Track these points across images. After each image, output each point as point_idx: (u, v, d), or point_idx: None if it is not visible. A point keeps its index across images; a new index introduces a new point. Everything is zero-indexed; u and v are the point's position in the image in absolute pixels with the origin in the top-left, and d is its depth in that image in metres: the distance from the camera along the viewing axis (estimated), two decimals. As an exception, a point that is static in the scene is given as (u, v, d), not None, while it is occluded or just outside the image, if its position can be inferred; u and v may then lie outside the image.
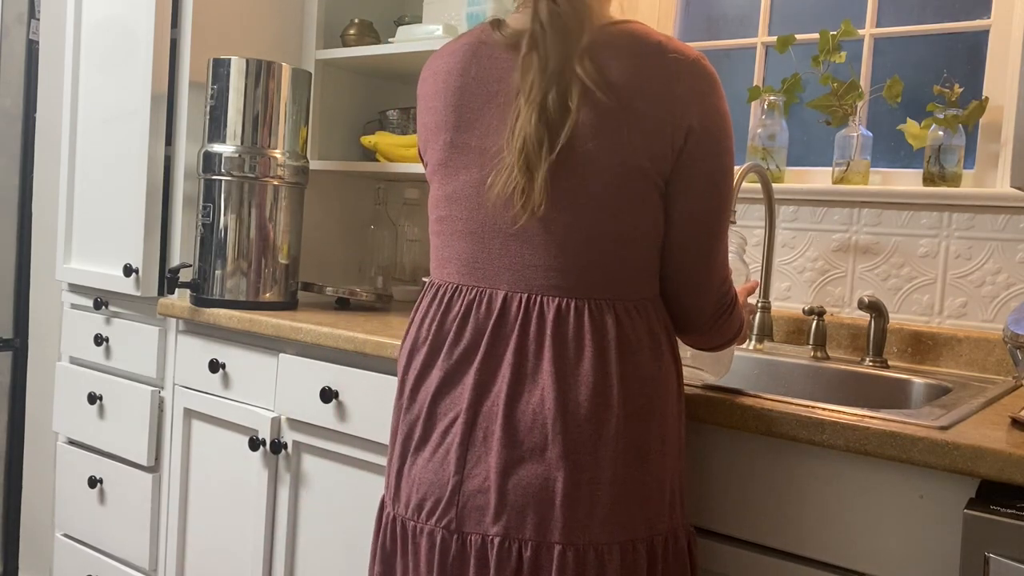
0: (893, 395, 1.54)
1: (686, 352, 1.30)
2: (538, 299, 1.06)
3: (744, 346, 1.75)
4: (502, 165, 1.07)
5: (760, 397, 1.22)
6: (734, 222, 1.61)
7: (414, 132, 2.22)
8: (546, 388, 1.03)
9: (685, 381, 1.29)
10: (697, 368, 1.33)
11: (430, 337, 1.12)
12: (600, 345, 1.05)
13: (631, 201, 1.06)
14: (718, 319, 1.16)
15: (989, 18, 1.69)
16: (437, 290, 1.15)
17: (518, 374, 1.05)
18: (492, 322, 1.08)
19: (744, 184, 1.65)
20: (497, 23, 1.14)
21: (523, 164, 1.05)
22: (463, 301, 1.11)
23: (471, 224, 1.11)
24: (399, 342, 1.55)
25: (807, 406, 1.18)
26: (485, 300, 1.09)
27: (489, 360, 1.07)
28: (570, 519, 1.02)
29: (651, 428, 1.07)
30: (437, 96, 1.16)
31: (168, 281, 1.93)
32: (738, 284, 1.45)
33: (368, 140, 2.17)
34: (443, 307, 1.12)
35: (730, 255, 1.43)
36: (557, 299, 1.06)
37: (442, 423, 1.08)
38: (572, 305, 1.06)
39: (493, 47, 1.13)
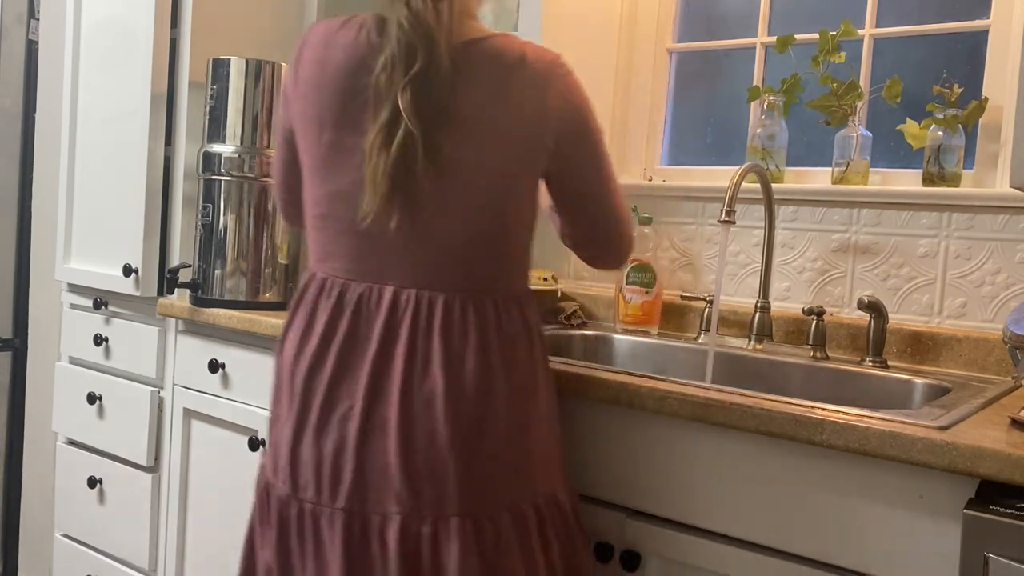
0: (893, 395, 1.54)
1: None
2: (426, 295, 1.15)
3: (744, 346, 1.75)
4: (378, 170, 1.12)
5: (760, 397, 1.22)
6: (733, 222, 1.61)
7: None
8: (436, 376, 1.12)
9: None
10: None
11: (322, 328, 1.18)
12: (484, 335, 1.15)
13: (507, 203, 1.17)
14: (631, 240, 1.35)
15: (989, 18, 1.69)
16: (324, 283, 1.20)
17: (410, 365, 1.13)
18: (384, 317, 1.15)
19: (744, 184, 1.65)
20: (381, 22, 1.16)
21: (394, 171, 1.11)
22: (354, 296, 1.17)
23: (356, 224, 1.17)
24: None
25: (807, 406, 1.18)
26: (375, 296, 1.17)
27: (383, 352, 1.14)
28: (465, 492, 1.11)
29: (530, 406, 1.18)
30: (322, 89, 1.18)
31: (168, 281, 1.93)
32: None
33: (368, 140, 2.17)
34: (333, 300, 1.18)
35: None
36: (444, 295, 1.15)
37: (339, 410, 1.14)
38: (457, 300, 1.15)
39: (374, 48, 1.15)
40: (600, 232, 1.30)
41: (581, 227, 1.31)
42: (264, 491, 1.24)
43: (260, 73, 1.92)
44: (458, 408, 1.11)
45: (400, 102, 1.10)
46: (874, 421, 1.11)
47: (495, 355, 1.15)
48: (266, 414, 1.80)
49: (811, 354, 1.69)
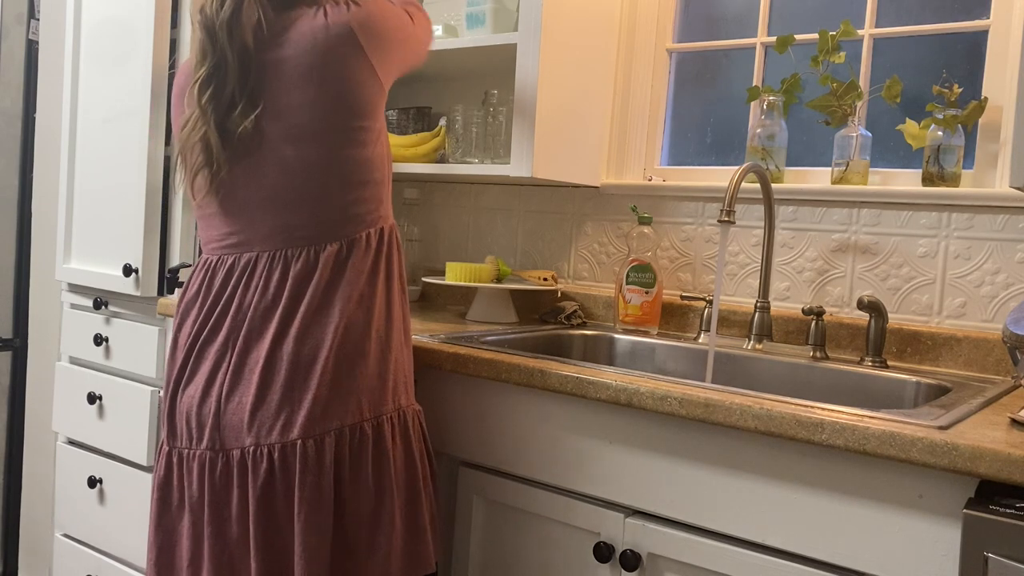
0: (892, 395, 1.55)
1: None
2: (267, 253, 1.32)
3: (744, 346, 1.75)
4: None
5: (760, 397, 1.22)
6: (732, 222, 1.61)
7: (414, 132, 2.23)
8: (273, 323, 1.28)
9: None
10: None
11: (192, 290, 1.39)
12: (313, 282, 1.29)
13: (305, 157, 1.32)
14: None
15: (988, 18, 1.69)
16: (203, 260, 1.41)
17: (255, 314, 1.29)
18: (236, 275, 1.33)
19: (744, 184, 1.65)
20: None
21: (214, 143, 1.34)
22: (221, 263, 1.36)
23: (213, 204, 1.39)
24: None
25: (807, 406, 1.18)
26: (231, 260, 1.35)
27: (239, 306, 1.31)
28: (306, 419, 1.25)
29: (362, 341, 1.30)
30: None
31: (168, 281, 1.93)
32: None
33: (368, 140, 2.17)
34: (205, 268, 1.38)
35: None
36: (283, 251, 1.31)
37: (206, 363, 1.31)
38: (292, 254, 1.30)
39: None
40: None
41: None
42: (158, 449, 1.40)
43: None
44: (294, 351, 1.26)
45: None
46: (874, 421, 1.11)
47: (327, 301, 1.29)
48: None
49: (811, 354, 1.69)
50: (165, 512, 1.36)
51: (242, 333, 1.30)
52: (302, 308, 1.28)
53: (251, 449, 1.26)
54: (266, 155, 1.31)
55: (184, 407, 1.33)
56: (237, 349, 1.29)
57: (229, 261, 1.34)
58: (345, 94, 1.29)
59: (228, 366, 1.29)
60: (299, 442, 1.25)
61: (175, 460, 1.34)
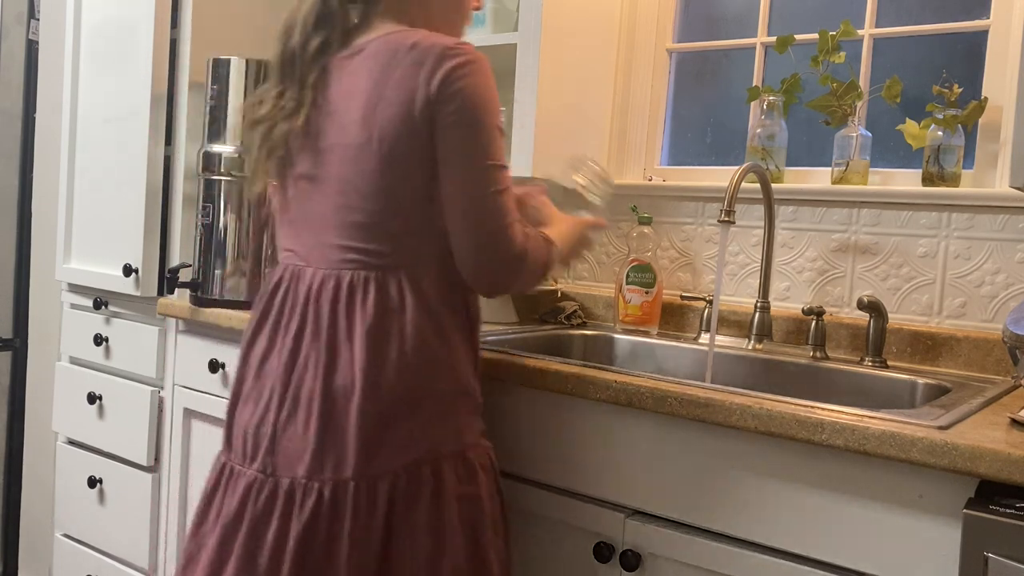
0: (892, 395, 1.55)
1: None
2: (333, 274, 1.24)
3: (744, 346, 1.75)
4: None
5: (760, 397, 1.22)
6: (732, 222, 1.61)
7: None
8: (337, 352, 1.21)
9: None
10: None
11: (260, 309, 1.32)
12: (384, 314, 1.21)
13: (394, 181, 1.23)
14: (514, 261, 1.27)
15: (988, 18, 1.69)
16: (272, 273, 1.35)
17: (315, 340, 1.23)
18: (303, 296, 1.26)
19: (743, 184, 1.65)
20: None
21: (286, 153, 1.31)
22: (285, 278, 1.30)
23: (290, 214, 1.34)
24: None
25: (807, 406, 1.18)
26: (298, 276, 1.28)
27: (301, 328, 1.25)
28: (361, 458, 1.18)
29: (433, 381, 1.22)
30: None
31: (168, 281, 1.93)
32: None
33: (368, 140, 2.17)
34: (272, 284, 1.32)
35: (596, 198, 1.52)
36: (350, 273, 1.23)
37: (267, 384, 1.26)
38: (361, 279, 1.22)
39: None
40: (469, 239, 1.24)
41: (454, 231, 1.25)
42: (217, 457, 1.35)
43: (260, 73, 1.92)
44: (354, 384, 1.19)
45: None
46: (874, 421, 1.11)
47: (394, 334, 1.21)
48: (266, 414, 1.80)
49: (811, 354, 1.69)
50: (203, 522, 1.30)
51: (302, 357, 1.23)
52: (363, 338, 1.20)
53: (302, 481, 1.19)
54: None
55: (243, 422, 1.27)
56: (297, 373, 1.23)
57: (304, 275, 1.27)
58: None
59: (288, 389, 1.23)
60: (352, 483, 1.18)
61: (226, 473, 1.28)
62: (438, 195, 1.23)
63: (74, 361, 2.31)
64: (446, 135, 1.20)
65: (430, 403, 1.23)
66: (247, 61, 1.91)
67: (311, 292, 1.25)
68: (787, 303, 1.83)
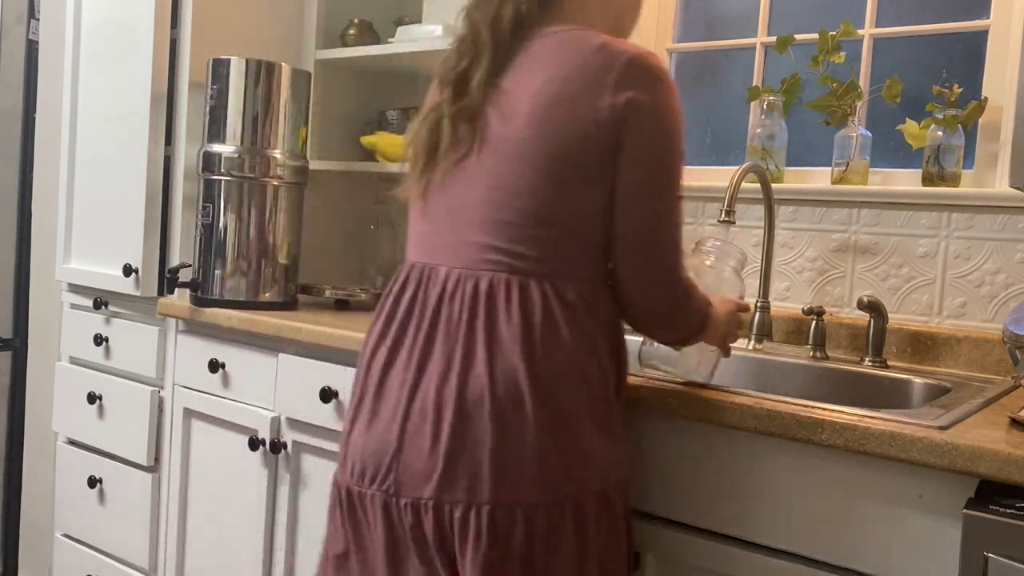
0: (893, 395, 1.54)
1: (656, 347, 1.31)
2: (473, 275, 1.12)
3: (744, 346, 1.75)
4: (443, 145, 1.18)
5: (760, 397, 1.22)
6: (732, 222, 1.61)
7: (414, 132, 2.22)
8: (475, 361, 1.09)
9: (667, 378, 1.32)
10: (665, 367, 1.33)
11: (386, 311, 1.20)
12: (528, 323, 1.10)
13: (561, 184, 1.12)
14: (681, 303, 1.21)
15: (988, 18, 1.69)
16: (400, 271, 1.23)
17: (451, 348, 1.11)
18: (435, 297, 1.14)
19: (743, 184, 1.65)
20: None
21: (453, 139, 1.17)
22: (415, 277, 1.18)
23: (428, 205, 1.21)
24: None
25: (807, 406, 1.18)
26: (429, 275, 1.17)
27: (431, 334, 1.13)
28: (497, 482, 1.06)
29: (574, 400, 1.10)
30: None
31: (168, 281, 1.93)
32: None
33: (368, 140, 2.17)
34: (400, 283, 1.20)
35: (727, 271, 1.42)
36: (490, 276, 1.12)
37: (388, 394, 1.14)
38: (503, 283, 1.11)
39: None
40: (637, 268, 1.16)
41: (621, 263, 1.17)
42: (333, 483, 1.24)
43: (260, 73, 1.92)
44: (494, 397, 1.07)
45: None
46: (874, 421, 1.11)
47: (539, 345, 1.09)
48: (266, 413, 1.80)
49: (811, 354, 1.69)
50: (335, 548, 1.22)
51: (433, 365, 1.12)
52: (505, 348, 1.09)
53: (428, 502, 1.08)
54: None
55: (363, 437, 1.16)
56: (425, 383, 1.11)
57: (436, 275, 1.16)
58: None
59: (414, 401, 1.11)
60: (486, 507, 1.06)
61: (343, 495, 1.18)
62: (602, 210, 1.13)
63: (74, 361, 2.31)
64: (633, 155, 1.11)
65: (576, 428, 1.11)
66: (247, 61, 1.91)
67: (444, 293, 1.13)
68: (787, 303, 1.83)
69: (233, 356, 1.88)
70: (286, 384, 1.76)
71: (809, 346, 1.70)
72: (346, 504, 1.17)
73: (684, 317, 1.21)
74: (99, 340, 2.19)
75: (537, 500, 1.07)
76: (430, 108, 1.21)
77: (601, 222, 1.14)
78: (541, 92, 1.13)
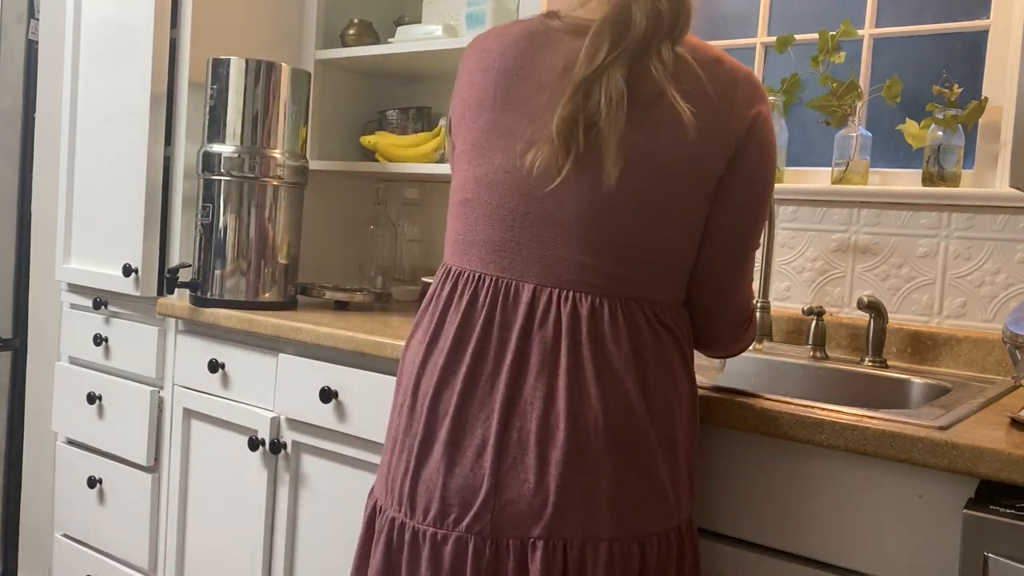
0: (892, 395, 1.54)
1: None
2: (570, 295, 1.04)
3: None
4: (541, 144, 1.04)
5: (760, 397, 1.22)
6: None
7: (414, 132, 2.22)
8: (584, 387, 1.01)
9: None
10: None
11: (453, 333, 1.07)
12: (636, 347, 1.04)
13: (673, 203, 1.06)
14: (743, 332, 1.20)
15: (988, 18, 1.69)
16: (458, 279, 1.10)
17: (552, 373, 1.02)
18: (521, 317, 1.04)
19: (743, 184, 1.65)
20: (554, 14, 1.12)
21: (563, 143, 1.03)
22: (488, 292, 1.06)
23: (501, 210, 1.07)
24: (399, 342, 1.55)
25: (807, 406, 1.18)
26: (512, 292, 1.05)
27: (520, 359, 1.03)
28: (615, 515, 1.01)
29: (675, 426, 1.07)
30: (485, 72, 1.12)
31: (167, 281, 1.93)
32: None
33: (368, 140, 2.17)
34: (467, 299, 1.07)
35: None
36: (591, 296, 1.04)
37: (473, 427, 1.03)
38: (606, 304, 1.04)
39: (553, 34, 1.09)
40: (720, 290, 1.14)
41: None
42: (371, 514, 1.15)
43: (260, 73, 1.92)
44: (608, 425, 1.01)
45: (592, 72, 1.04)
46: (874, 421, 1.11)
47: (647, 369, 1.04)
48: (266, 413, 1.80)
49: (811, 354, 1.69)
50: None
51: (528, 392, 1.02)
52: (620, 374, 1.03)
53: (538, 542, 0.99)
54: None
55: (438, 474, 1.04)
56: (520, 412, 1.02)
57: (520, 292, 1.06)
58: None
59: (509, 432, 1.02)
60: (604, 543, 1.00)
61: (407, 536, 1.07)
62: (695, 234, 1.09)
63: (74, 361, 2.31)
64: (736, 188, 1.08)
65: (681, 455, 1.07)
66: (247, 61, 1.91)
67: (534, 314, 1.04)
68: (787, 303, 1.83)
69: (233, 356, 1.88)
70: (286, 384, 1.76)
71: (809, 346, 1.70)
72: (409, 544, 1.06)
73: (744, 344, 1.23)
74: (99, 340, 2.19)
75: (651, 531, 1.03)
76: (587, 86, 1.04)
77: (693, 245, 1.10)
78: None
